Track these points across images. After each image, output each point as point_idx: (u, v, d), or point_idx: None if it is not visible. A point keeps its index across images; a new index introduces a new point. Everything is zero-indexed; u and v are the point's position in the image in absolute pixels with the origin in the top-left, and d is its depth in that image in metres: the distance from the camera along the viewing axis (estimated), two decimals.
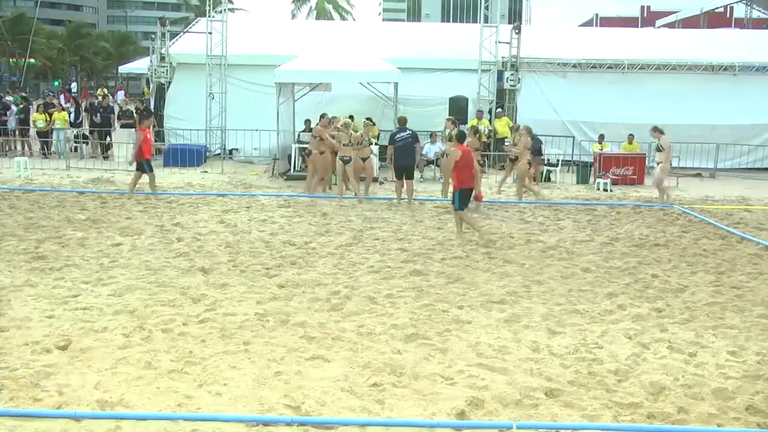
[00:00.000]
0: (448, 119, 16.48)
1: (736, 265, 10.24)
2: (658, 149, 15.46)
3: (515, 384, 5.96)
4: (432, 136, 19.34)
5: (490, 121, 21.21)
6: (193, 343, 6.70)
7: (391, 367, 6.22)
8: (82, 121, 22.03)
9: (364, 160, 15.43)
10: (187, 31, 24.41)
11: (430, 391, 5.81)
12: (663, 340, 7.12)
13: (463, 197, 11.56)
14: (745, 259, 10.68)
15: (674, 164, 20.24)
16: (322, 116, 16.74)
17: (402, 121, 15.23)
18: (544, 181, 18.92)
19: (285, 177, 18.09)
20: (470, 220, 11.86)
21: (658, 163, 15.60)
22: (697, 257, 10.72)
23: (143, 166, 14.92)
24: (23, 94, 26.39)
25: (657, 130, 15.33)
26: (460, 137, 11.93)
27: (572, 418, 5.45)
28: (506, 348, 6.79)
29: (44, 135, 22.01)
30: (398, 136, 14.92)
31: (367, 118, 17.18)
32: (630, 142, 19.46)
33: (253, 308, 7.74)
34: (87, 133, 22.03)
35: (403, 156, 14.85)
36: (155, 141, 21.91)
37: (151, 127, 21.93)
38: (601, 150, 19.25)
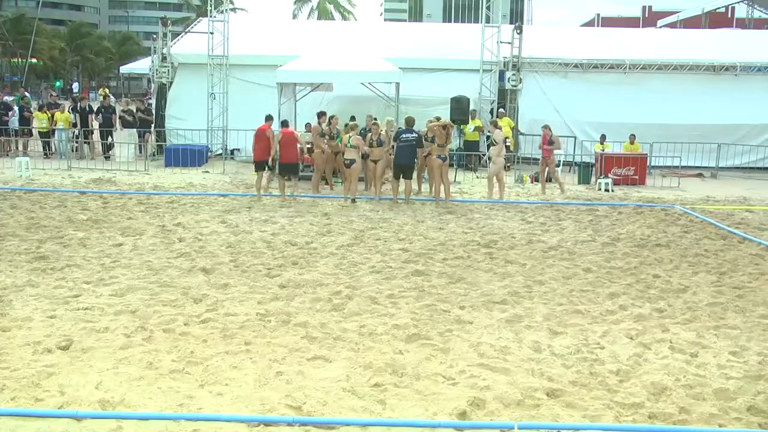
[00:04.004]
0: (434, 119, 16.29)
1: (738, 266, 10.23)
2: (492, 143, 15.88)
3: (517, 384, 5.96)
4: None
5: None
6: (195, 343, 6.71)
7: (393, 368, 6.22)
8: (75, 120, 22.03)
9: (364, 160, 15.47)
10: (189, 31, 24.43)
11: (431, 392, 5.81)
12: (664, 340, 7.12)
13: (282, 167, 15.04)
14: (746, 259, 10.68)
15: (676, 164, 20.32)
16: (321, 114, 16.68)
17: (409, 122, 15.02)
18: (547, 181, 18.86)
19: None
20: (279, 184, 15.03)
21: (490, 158, 15.95)
22: (699, 257, 10.71)
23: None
24: (25, 94, 26.25)
25: (494, 125, 16.14)
26: (283, 123, 15.65)
27: (574, 418, 5.45)
28: (508, 348, 6.79)
29: (45, 135, 22.02)
30: (403, 136, 14.80)
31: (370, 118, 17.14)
32: (632, 142, 19.43)
33: (255, 308, 7.74)
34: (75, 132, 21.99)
35: (404, 156, 14.80)
36: (156, 141, 22.02)
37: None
38: (603, 150, 19.23)
